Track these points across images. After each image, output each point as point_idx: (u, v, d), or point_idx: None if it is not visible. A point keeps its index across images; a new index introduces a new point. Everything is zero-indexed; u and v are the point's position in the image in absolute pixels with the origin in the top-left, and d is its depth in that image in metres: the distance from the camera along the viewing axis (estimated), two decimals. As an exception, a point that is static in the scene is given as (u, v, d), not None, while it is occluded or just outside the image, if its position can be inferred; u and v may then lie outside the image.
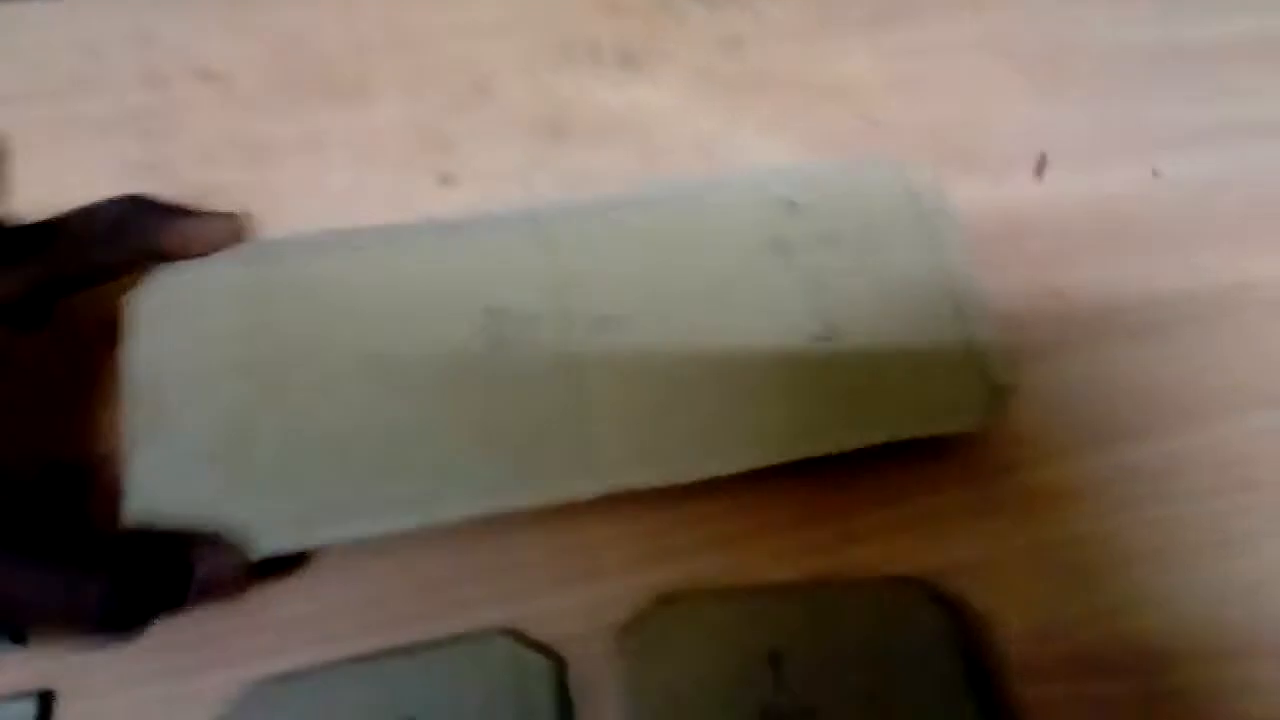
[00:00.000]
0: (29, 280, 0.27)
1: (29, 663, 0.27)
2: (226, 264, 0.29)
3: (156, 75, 0.44)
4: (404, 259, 0.29)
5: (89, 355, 0.31)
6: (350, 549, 0.29)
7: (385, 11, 0.46)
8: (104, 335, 0.29)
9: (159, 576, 0.24)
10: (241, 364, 0.27)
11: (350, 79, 0.44)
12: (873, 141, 0.42)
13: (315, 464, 0.26)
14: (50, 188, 0.39)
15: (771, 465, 0.28)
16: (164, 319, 0.28)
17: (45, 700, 0.26)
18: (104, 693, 0.26)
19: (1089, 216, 0.39)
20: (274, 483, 0.26)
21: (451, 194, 0.40)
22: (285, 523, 0.26)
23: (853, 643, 0.26)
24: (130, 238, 0.28)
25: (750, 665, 0.26)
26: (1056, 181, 0.40)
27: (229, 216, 0.30)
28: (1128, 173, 0.40)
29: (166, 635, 0.27)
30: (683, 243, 0.30)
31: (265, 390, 0.27)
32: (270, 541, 0.26)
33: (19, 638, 0.27)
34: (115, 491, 0.26)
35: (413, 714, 0.25)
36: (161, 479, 0.26)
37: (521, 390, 0.27)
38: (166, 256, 0.29)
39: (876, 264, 0.31)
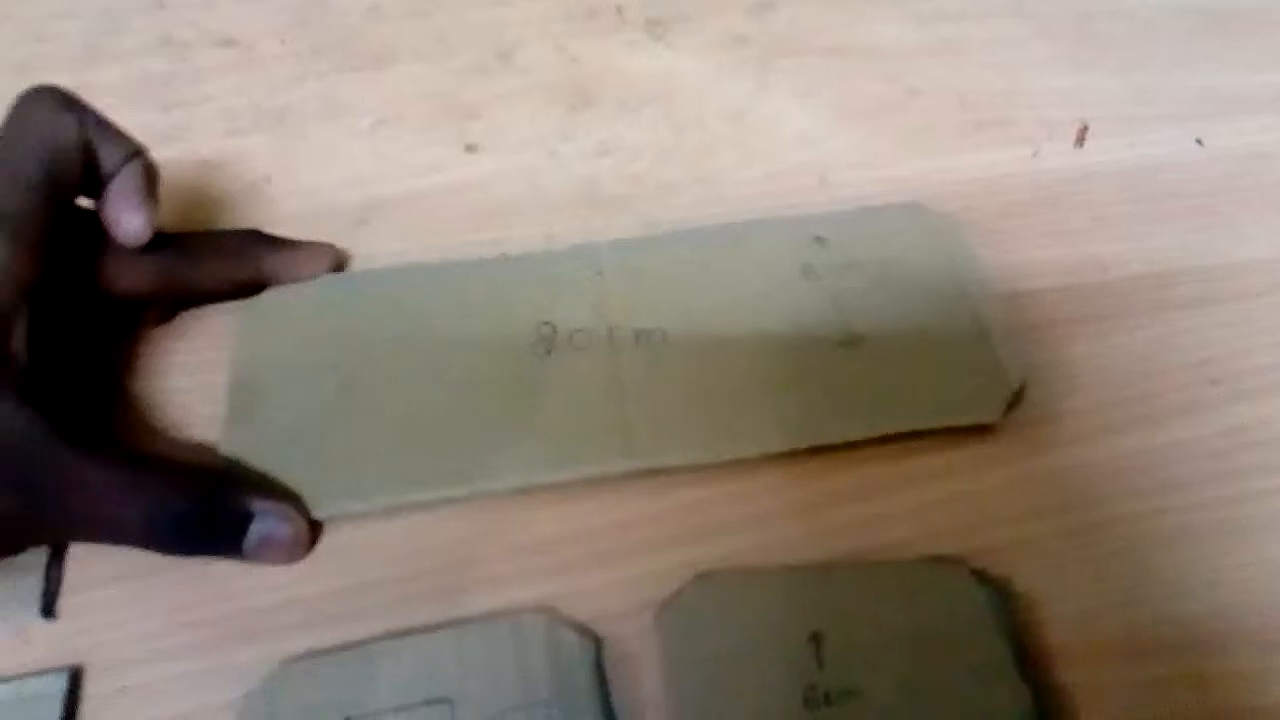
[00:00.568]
0: (160, 280, 0.31)
1: (58, 637, 0.27)
2: (322, 285, 0.33)
3: (175, 43, 0.43)
4: (472, 283, 0.33)
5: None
6: (384, 527, 0.29)
7: (407, -24, 0.45)
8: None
9: (225, 510, 0.27)
10: (327, 364, 0.31)
11: (371, 46, 0.43)
12: (908, 111, 0.41)
13: (380, 443, 0.29)
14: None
15: (796, 449, 0.29)
16: (266, 327, 0.32)
17: (75, 676, 0.26)
18: (134, 668, 0.26)
19: (1131, 186, 0.38)
20: (342, 459, 0.29)
21: (476, 162, 0.39)
22: (346, 489, 0.28)
23: (894, 623, 0.26)
24: (246, 262, 0.32)
25: (791, 644, 0.25)
26: (1097, 150, 0.39)
27: (329, 247, 0.34)
28: (1170, 142, 0.39)
29: (199, 611, 0.27)
30: (721, 270, 0.34)
31: (344, 386, 0.31)
32: (331, 505, 0.28)
33: (49, 610, 0.27)
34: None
35: (447, 693, 0.24)
36: (248, 453, 0.29)
37: (565, 385, 0.31)
38: (274, 281, 0.33)
39: (897, 284, 0.33)
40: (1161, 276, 0.35)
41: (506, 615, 0.26)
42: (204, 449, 0.30)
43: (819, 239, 0.34)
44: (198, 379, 0.32)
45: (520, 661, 0.25)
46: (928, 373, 0.31)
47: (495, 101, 0.41)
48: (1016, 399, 0.31)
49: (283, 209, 0.37)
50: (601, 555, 0.28)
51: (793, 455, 0.29)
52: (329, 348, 0.31)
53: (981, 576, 0.27)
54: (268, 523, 0.27)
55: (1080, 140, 0.39)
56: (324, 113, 0.41)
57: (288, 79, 0.42)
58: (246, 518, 0.27)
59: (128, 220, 0.29)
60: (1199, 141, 0.39)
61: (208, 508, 0.27)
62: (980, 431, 0.30)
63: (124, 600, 0.27)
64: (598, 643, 0.26)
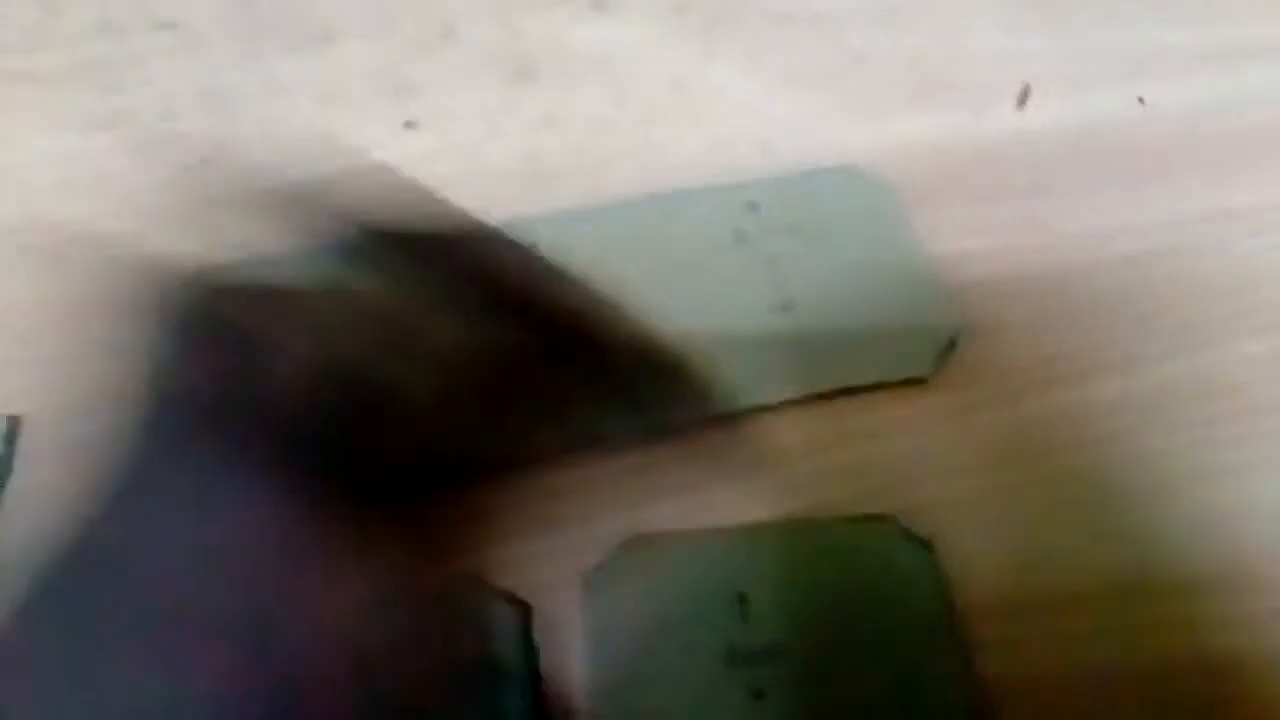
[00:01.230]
0: None
1: None
2: (252, 268, 0.31)
3: (114, 26, 0.43)
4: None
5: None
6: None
7: (346, -47, 0.45)
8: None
9: None
10: None
11: (312, 25, 0.43)
12: (851, 77, 0.41)
13: None
14: (7, 144, 0.39)
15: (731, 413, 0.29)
16: None
17: None
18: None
19: (1072, 146, 0.38)
20: None
21: (416, 138, 0.39)
22: None
23: (824, 582, 0.26)
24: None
25: (717, 605, 0.25)
26: (1039, 112, 0.39)
27: None
28: (1112, 102, 0.39)
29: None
30: (655, 240, 0.34)
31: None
32: None
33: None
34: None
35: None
36: None
37: None
38: None
39: (831, 247, 0.33)
40: (1100, 234, 0.35)
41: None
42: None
43: (753, 205, 0.35)
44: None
45: (446, 629, 0.25)
46: (860, 332, 0.31)
47: (437, 77, 0.41)
48: (949, 355, 0.31)
49: (220, 190, 0.37)
50: (531, 525, 0.28)
51: (727, 419, 0.29)
52: None
53: (911, 534, 0.27)
54: None
55: (1022, 102, 0.39)
56: (264, 93, 0.40)
57: (228, 60, 0.42)
58: None
59: None
60: (1141, 100, 0.39)
61: None
62: (914, 390, 0.31)
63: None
64: (526, 610, 0.26)
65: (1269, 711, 0.26)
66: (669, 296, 0.32)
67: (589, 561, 0.27)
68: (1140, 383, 0.31)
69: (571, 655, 0.26)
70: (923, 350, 0.31)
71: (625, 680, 0.25)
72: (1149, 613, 0.27)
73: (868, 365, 0.30)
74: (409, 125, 0.39)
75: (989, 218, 0.35)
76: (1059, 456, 0.30)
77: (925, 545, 0.27)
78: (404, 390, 0.20)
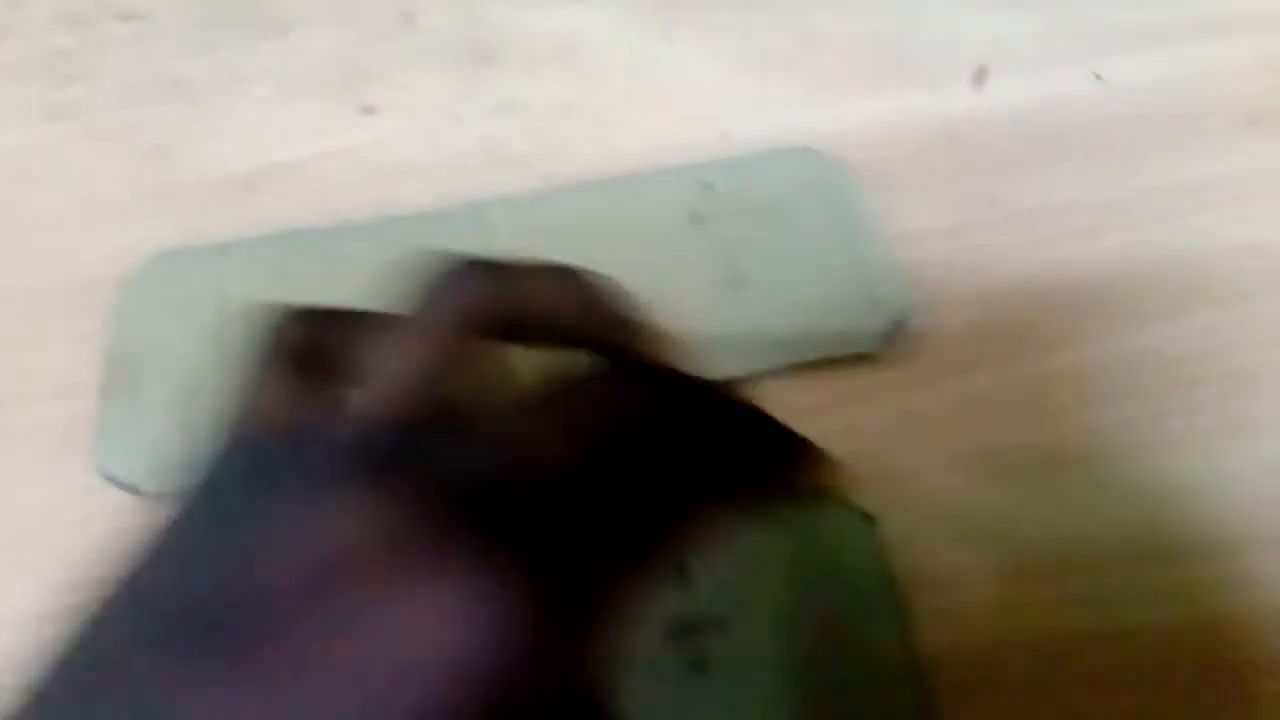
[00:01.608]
0: None
1: None
2: (203, 256, 0.33)
3: (74, 17, 0.43)
4: (358, 247, 0.33)
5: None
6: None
7: (306, -58, 0.45)
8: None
9: None
10: (209, 336, 0.31)
11: (271, 13, 0.43)
12: (809, 58, 0.41)
13: None
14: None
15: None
16: (146, 298, 0.32)
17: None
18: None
19: (1029, 125, 0.38)
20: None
21: (376, 125, 0.39)
22: None
23: (765, 554, 0.26)
24: None
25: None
26: (996, 91, 0.39)
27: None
28: (1069, 79, 0.39)
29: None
30: (610, 222, 0.34)
31: (228, 358, 0.29)
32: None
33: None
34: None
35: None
36: (125, 424, 0.30)
37: None
38: None
39: (784, 227, 0.34)
40: (1054, 211, 0.35)
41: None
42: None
43: (708, 186, 0.35)
44: (79, 350, 0.32)
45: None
46: (811, 310, 0.31)
47: (398, 64, 0.41)
48: (899, 333, 0.31)
49: (178, 178, 0.37)
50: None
51: None
52: (210, 319, 0.31)
53: (854, 506, 0.27)
54: None
55: (979, 81, 0.40)
56: (224, 82, 0.40)
57: (188, 50, 0.42)
58: None
59: None
60: (1097, 77, 0.39)
61: None
62: (864, 366, 0.31)
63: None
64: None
65: (1210, 677, 0.26)
66: (624, 277, 0.32)
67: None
68: (1093, 354, 0.32)
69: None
70: (873, 327, 0.31)
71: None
72: (1091, 581, 0.27)
73: (818, 342, 0.31)
74: (368, 111, 0.39)
75: (945, 197, 0.35)
76: (1009, 429, 0.30)
77: (868, 518, 0.27)
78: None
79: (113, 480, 0.29)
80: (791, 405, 0.30)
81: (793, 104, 0.39)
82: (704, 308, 0.32)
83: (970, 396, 0.31)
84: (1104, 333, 0.32)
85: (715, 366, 0.30)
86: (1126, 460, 0.29)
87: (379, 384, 0.16)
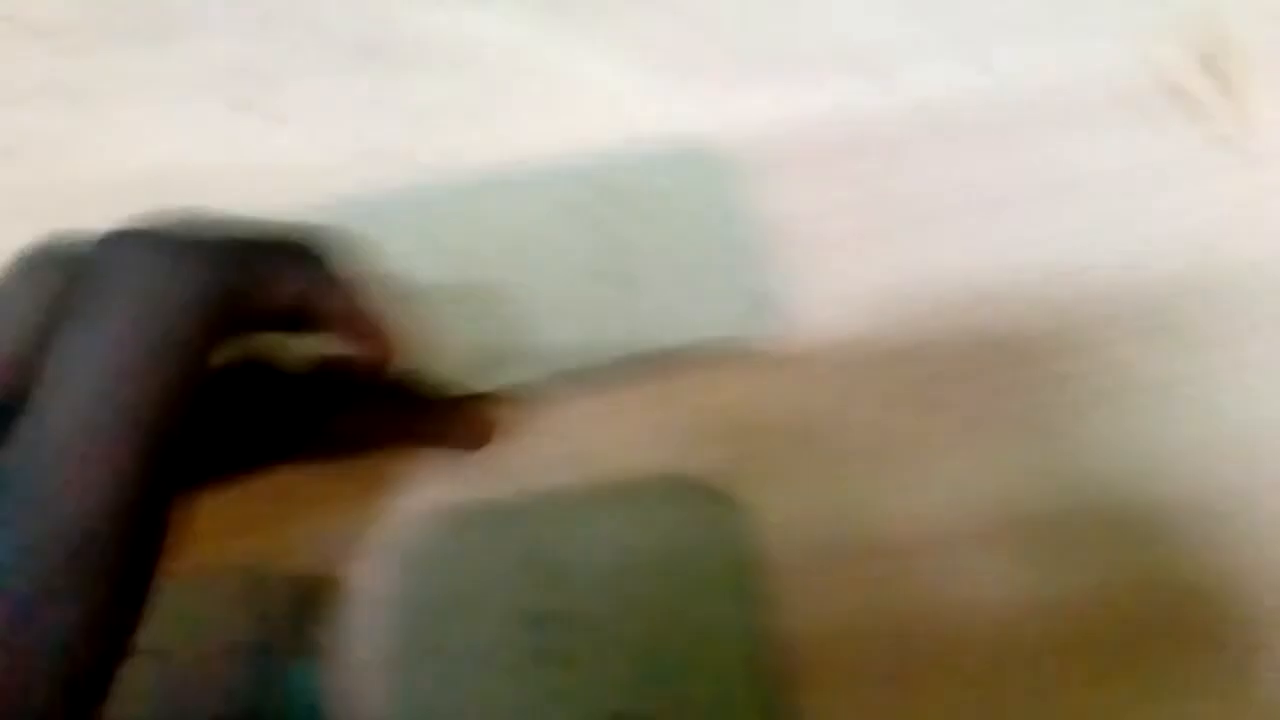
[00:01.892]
0: None
1: None
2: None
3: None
4: None
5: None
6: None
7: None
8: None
9: None
10: None
11: (160, 15, 0.42)
12: (705, 55, 0.40)
13: None
14: None
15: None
16: None
17: None
18: None
19: (920, 116, 0.38)
20: None
21: (270, 132, 0.38)
22: None
23: (625, 542, 0.26)
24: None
25: (513, 571, 0.25)
26: (888, 81, 0.39)
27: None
28: (960, 70, 0.39)
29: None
30: (491, 217, 0.34)
31: None
32: None
33: None
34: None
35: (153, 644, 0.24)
36: None
37: None
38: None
39: (666, 220, 0.34)
40: (950, 204, 0.35)
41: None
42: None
43: (591, 180, 0.34)
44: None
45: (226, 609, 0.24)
46: (689, 300, 0.32)
47: (295, 70, 0.41)
48: (781, 328, 0.31)
49: (62, 192, 0.36)
50: (331, 499, 0.27)
51: (549, 387, 0.30)
52: None
53: (712, 490, 0.27)
54: None
55: (870, 74, 0.39)
56: (110, 87, 0.40)
57: (72, 54, 0.41)
58: None
59: None
60: (988, 69, 0.39)
61: None
62: (745, 360, 0.31)
63: None
64: (316, 585, 0.25)
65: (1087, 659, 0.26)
66: (501, 271, 0.32)
67: (389, 534, 0.27)
68: (983, 349, 0.32)
69: (368, 628, 0.25)
70: (748, 317, 0.31)
71: (426, 650, 0.24)
72: (912, 561, 0.27)
73: (689, 330, 0.31)
74: (253, 114, 0.39)
75: (832, 189, 0.35)
76: (873, 414, 0.30)
77: (726, 501, 0.27)
78: None
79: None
80: (661, 392, 0.30)
81: (681, 97, 0.39)
82: (576, 297, 0.32)
83: (852, 388, 0.30)
84: (996, 325, 0.32)
85: (588, 354, 0.30)
86: (990, 440, 0.29)
87: None
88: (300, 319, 0.22)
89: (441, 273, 0.32)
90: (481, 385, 0.29)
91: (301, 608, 0.25)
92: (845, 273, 0.33)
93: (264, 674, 0.23)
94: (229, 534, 0.27)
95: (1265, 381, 0.31)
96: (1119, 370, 0.31)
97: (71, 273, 0.19)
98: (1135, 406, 0.31)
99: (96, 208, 0.34)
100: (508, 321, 0.31)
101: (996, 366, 0.31)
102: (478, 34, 0.42)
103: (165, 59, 0.41)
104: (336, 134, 0.38)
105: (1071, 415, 0.30)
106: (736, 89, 0.39)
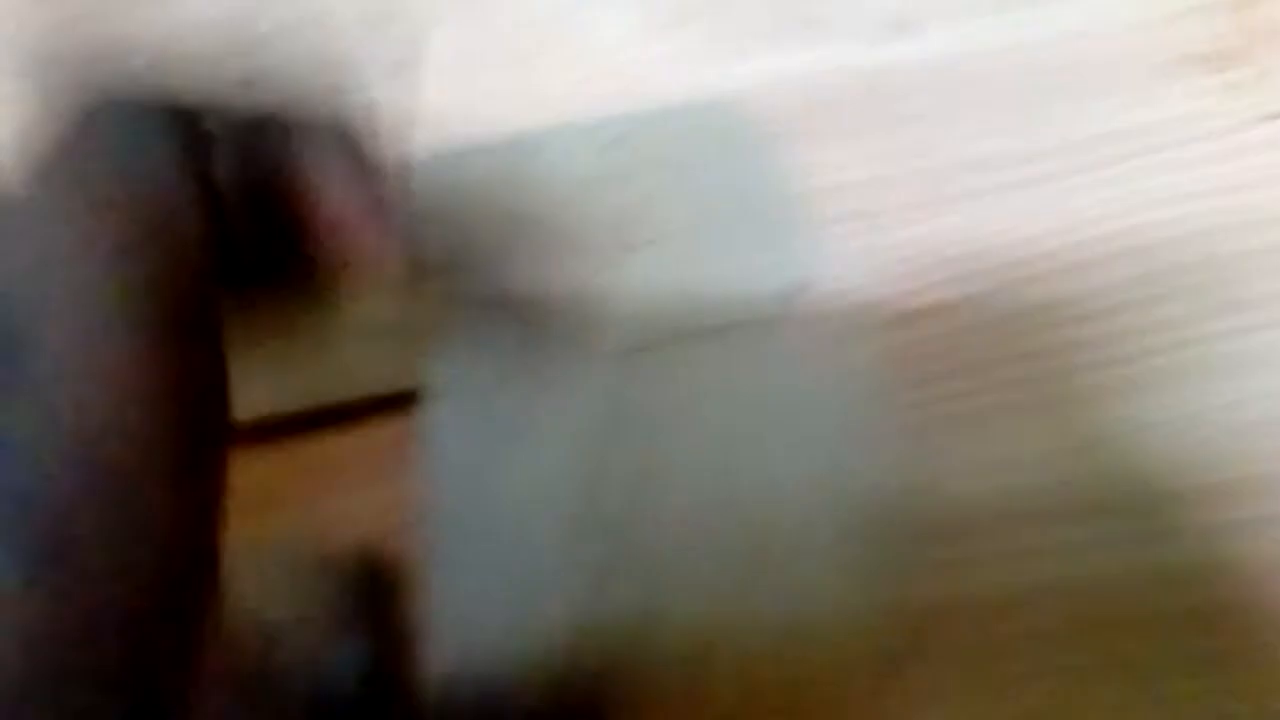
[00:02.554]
0: None
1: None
2: None
3: None
4: None
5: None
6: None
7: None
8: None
9: None
10: None
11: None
12: (722, 12, 0.39)
13: None
14: None
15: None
16: None
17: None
18: None
19: (946, 77, 0.37)
20: None
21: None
22: None
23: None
24: None
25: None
26: (913, 44, 0.38)
27: None
28: (988, 30, 0.38)
29: None
30: (517, 180, 0.33)
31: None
32: None
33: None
34: None
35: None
36: None
37: None
38: None
39: (692, 184, 0.33)
40: (977, 164, 0.34)
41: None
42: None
43: (617, 142, 0.34)
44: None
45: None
46: (716, 270, 0.31)
47: (289, 24, 0.39)
48: (803, 293, 0.31)
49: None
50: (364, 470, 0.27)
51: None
52: None
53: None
54: None
55: (898, 32, 0.38)
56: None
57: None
58: None
59: None
60: (1017, 28, 0.38)
61: None
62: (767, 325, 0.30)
63: None
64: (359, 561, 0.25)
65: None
66: (533, 234, 0.31)
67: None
68: (1012, 310, 0.31)
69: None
70: (777, 288, 0.31)
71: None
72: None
73: (721, 303, 0.30)
74: (246, 84, 0.37)
75: (861, 151, 0.35)
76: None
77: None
78: None
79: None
80: (686, 363, 0.30)
81: (705, 59, 0.38)
82: (610, 264, 0.31)
83: (878, 355, 0.30)
84: (1028, 283, 0.32)
85: (616, 324, 0.29)
86: (1044, 415, 0.29)
87: None
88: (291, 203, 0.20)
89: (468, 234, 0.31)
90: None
91: (341, 584, 0.24)
92: (873, 234, 0.33)
93: (304, 652, 0.23)
94: (266, 508, 0.26)
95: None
96: (1156, 332, 0.31)
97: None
98: (1177, 366, 0.30)
99: None
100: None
101: (1025, 332, 0.31)
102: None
103: (159, 20, 0.39)
104: (350, 89, 0.37)
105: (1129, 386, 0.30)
106: (765, 50, 0.38)
